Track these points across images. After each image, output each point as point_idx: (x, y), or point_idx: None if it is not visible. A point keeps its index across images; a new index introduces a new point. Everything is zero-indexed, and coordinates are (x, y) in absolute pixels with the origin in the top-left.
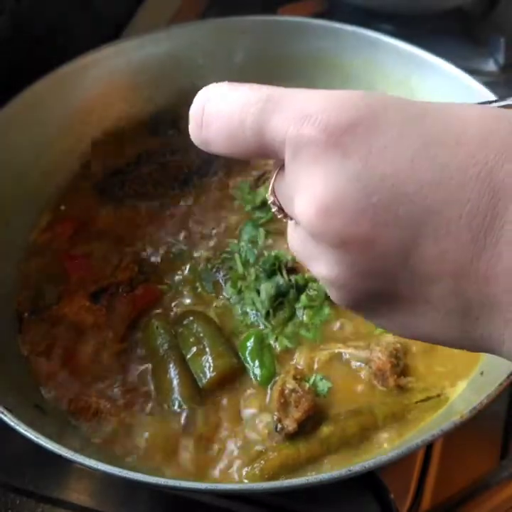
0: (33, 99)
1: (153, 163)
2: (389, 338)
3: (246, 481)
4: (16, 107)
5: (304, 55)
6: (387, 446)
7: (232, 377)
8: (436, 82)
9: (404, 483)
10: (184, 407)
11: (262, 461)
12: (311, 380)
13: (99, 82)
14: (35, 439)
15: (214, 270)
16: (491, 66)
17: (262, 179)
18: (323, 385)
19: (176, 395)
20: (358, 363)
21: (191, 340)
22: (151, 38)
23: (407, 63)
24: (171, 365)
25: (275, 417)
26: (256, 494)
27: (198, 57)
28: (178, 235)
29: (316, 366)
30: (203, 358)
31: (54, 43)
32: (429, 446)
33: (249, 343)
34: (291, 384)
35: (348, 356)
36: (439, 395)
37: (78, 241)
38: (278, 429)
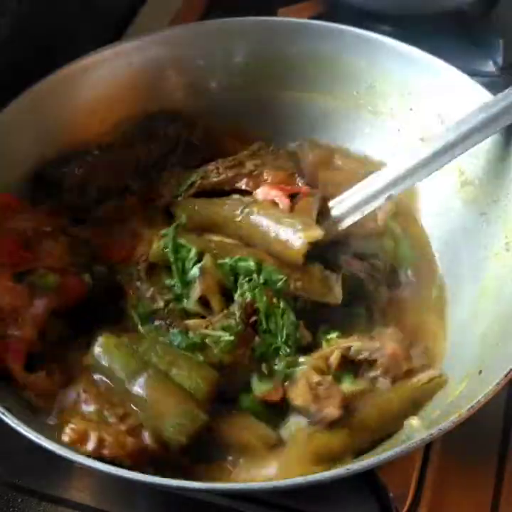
0: (34, 100)
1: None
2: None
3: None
4: (17, 108)
5: (303, 56)
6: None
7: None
8: (435, 83)
9: (403, 483)
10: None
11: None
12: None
13: (100, 83)
14: (36, 439)
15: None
16: (489, 67)
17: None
18: (347, 378)
19: (176, 412)
20: (371, 354)
21: (162, 357)
22: (152, 40)
23: (406, 64)
24: (155, 383)
25: (313, 409)
26: (256, 493)
27: (198, 58)
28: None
29: (332, 362)
30: (187, 372)
31: (55, 45)
32: (428, 446)
33: None
34: (315, 377)
35: (359, 348)
36: (440, 376)
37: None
38: (317, 420)
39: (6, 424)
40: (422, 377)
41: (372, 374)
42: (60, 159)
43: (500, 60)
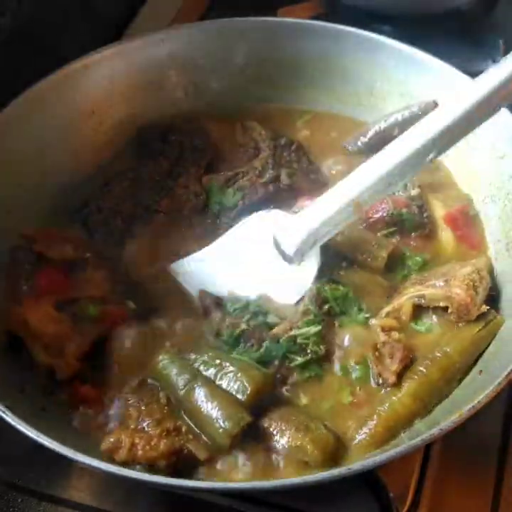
0: (34, 100)
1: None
2: (465, 269)
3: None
4: (17, 107)
5: (304, 55)
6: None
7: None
8: (435, 83)
9: (403, 483)
10: (240, 424)
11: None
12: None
13: (100, 83)
14: (37, 437)
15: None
16: (489, 67)
17: (233, 180)
18: (421, 326)
19: (220, 416)
20: (442, 301)
21: (210, 363)
22: (152, 39)
23: (407, 64)
24: (202, 392)
25: (375, 371)
26: (256, 492)
27: (198, 58)
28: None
29: (402, 316)
30: (232, 376)
31: (55, 44)
32: (428, 446)
33: None
34: (381, 337)
35: (428, 300)
36: (495, 317)
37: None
38: (380, 384)
39: (6, 425)
40: (480, 322)
41: (444, 319)
42: (77, 191)
43: (500, 59)
